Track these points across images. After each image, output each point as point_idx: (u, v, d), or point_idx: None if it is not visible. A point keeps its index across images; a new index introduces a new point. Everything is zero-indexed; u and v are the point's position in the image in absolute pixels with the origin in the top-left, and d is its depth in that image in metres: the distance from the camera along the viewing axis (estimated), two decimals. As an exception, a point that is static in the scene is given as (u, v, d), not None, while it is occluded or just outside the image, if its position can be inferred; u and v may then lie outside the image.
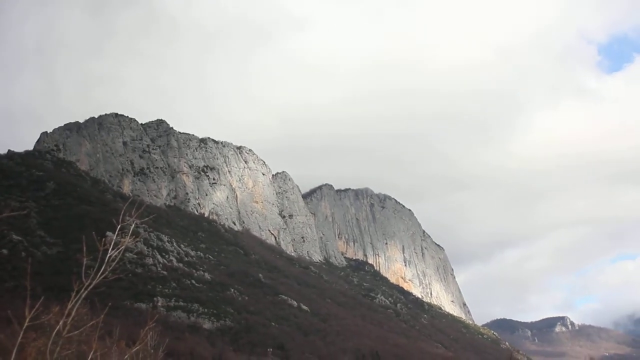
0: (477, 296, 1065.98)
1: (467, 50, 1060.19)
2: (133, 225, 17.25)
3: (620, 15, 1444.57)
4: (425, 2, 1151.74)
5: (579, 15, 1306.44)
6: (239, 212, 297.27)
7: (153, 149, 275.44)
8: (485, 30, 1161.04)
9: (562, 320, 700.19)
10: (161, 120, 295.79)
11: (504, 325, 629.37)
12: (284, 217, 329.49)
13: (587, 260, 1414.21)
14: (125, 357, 23.00)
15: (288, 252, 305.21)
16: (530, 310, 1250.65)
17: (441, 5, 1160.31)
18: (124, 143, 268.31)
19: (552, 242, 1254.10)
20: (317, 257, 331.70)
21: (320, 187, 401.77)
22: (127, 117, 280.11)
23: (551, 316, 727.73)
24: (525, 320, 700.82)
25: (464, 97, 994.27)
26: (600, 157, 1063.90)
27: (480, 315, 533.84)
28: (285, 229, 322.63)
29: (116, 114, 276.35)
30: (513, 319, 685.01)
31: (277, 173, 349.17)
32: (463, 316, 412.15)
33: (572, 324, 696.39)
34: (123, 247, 16.58)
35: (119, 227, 16.68)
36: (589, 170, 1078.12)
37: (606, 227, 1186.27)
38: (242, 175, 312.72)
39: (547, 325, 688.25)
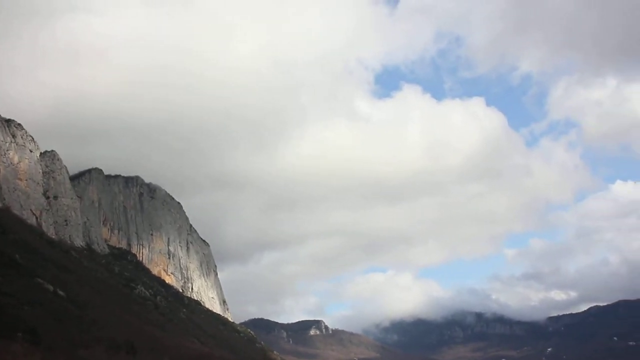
0: (236, 294, 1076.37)
1: (251, 55, 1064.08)
2: None
3: (395, 48, 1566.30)
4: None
5: (360, 44, 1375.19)
6: (1, 189, 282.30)
7: None
8: (274, 39, 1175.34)
9: (317, 324, 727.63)
10: None
11: (261, 324, 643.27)
12: (48, 197, 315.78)
13: (340, 270, 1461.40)
14: None
15: (49, 234, 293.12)
16: (284, 312, 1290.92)
17: (230, 6, 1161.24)
18: None
19: (308, 249, 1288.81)
20: (80, 242, 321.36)
21: (89, 171, 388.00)
22: None
23: (307, 319, 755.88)
24: (282, 322, 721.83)
25: (243, 99, 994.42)
26: (361, 176, 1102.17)
27: (239, 313, 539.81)
28: (48, 210, 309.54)
29: None
30: (270, 319, 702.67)
31: (46, 151, 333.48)
32: (222, 313, 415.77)
33: (326, 327, 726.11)
34: None
35: None
36: (350, 186, 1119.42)
37: (360, 241, 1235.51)
38: (7, 150, 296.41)
39: (302, 328, 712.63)
